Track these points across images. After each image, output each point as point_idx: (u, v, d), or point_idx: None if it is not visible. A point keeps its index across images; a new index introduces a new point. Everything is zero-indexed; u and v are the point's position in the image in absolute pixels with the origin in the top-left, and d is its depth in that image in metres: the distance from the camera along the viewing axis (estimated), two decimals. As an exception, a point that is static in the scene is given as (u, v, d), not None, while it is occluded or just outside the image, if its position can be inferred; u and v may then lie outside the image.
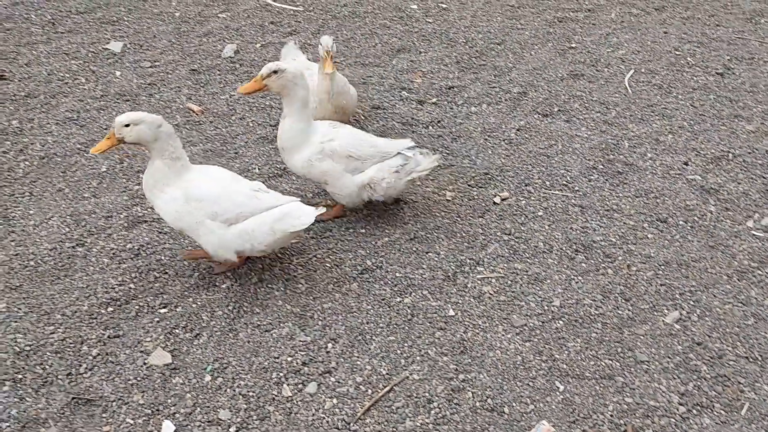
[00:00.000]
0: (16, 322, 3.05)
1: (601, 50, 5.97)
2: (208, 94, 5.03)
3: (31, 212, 3.74)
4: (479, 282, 3.43)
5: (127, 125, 3.08)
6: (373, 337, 3.08)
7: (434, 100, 5.09)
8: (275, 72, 3.40)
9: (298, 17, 6.41)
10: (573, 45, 6.05)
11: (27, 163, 4.16)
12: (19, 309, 3.12)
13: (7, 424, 2.61)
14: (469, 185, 4.16)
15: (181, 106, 4.83)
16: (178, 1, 6.62)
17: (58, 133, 4.46)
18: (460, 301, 3.31)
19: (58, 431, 2.60)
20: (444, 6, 6.80)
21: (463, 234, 3.75)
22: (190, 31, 5.99)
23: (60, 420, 2.64)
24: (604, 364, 3.03)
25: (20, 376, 2.80)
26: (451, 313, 3.24)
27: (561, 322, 3.22)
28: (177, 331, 3.06)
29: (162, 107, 4.77)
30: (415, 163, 3.68)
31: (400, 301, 3.29)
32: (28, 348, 2.92)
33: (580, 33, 6.31)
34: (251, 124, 4.64)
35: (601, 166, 4.39)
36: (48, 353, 2.90)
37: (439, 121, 4.82)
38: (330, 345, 3.03)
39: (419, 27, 6.30)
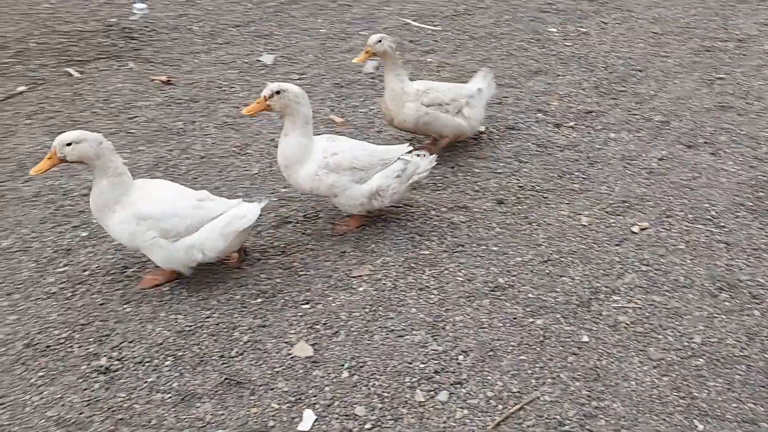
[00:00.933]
0: (178, 304, 3.36)
1: (752, 82, 5.68)
2: (350, 107, 5.29)
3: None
4: (615, 311, 3.37)
5: (68, 144, 3.07)
6: (504, 354, 3.12)
7: (571, 123, 5.06)
8: (278, 92, 3.48)
9: (436, 37, 6.59)
10: (721, 75, 5.80)
11: (189, 161, 4.57)
12: (181, 293, 3.43)
13: (168, 395, 2.89)
14: (606, 212, 4.10)
15: (325, 117, 5.11)
16: (324, 19, 7.00)
17: (216, 135, 4.86)
18: (595, 328, 3.27)
19: (211, 407, 2.84)
20: (584, 30, 6.74)
21: (599, 261, 3.70)
22: (334, 47, 6.33)
23: (213, 397, 2.88)
24: (747, 407, 2.89)
25: (180, 353, 3.08)
26: (585, 339, 3.21)
27: (701, 360, 3.10)
28: (318, 327, 3.25)
29: (308, 117, 5.07)
30: (415, 166, 3.81)
31: (532, 322, 3.30)
32: (187, 328, 3.21)
33: (729, 64, 6.04)
34: (388, 137, 4.82)
35: (750, 203, 4.18)
36: (204, 335, 3.18)
37: (575, 146, 4.78)
38: (461, 357, 3.10)
39: (557, 50, 6.28)
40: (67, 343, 3.12)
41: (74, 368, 2.99)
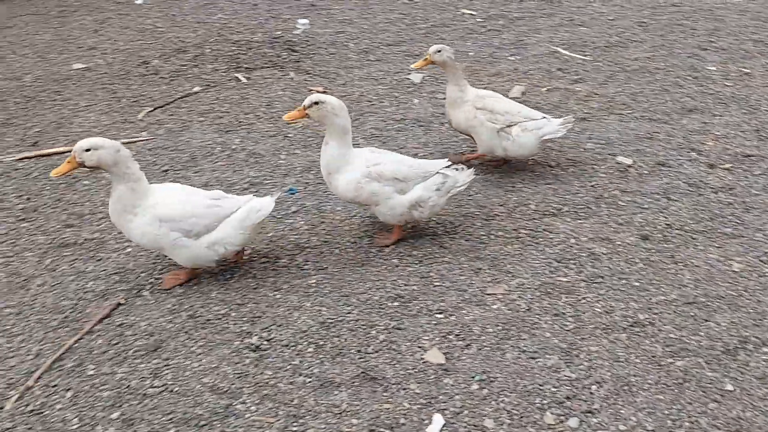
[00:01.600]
0: (321, 297, 3.59)
1: None
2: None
3: (338, 208, 4.37)
4: (764, 363, 3.19)
5: (87, 150, 3.22)
6: (640, 391, 3.04)
7: (727, 166, 4.83)
8: (316, 103, 3.68)
9: (585, 66, 6.53)
10: None
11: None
12: (325, 287, 3.66)
13: (309, 380, 3.09)
14: (761, 260, 3.88)
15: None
16: (472, 42, 7.16)
17: (363, 145, 5.13)
18: (740, 378, 3.11)
19: (347, 396, 3.01)
20: (747, 71, 6.40)
21: (750, 310, 3.51)
22: (481, 69, 6.45)
23: (350, 388, 3.05)
24: None
25: (321, 343, 3.29)
26: (729, 387, 3.06)
27: None
28: (450, 337, 3.34)
29: (449, 136, 5.21)
30: (454, 180, 3.95)
31: (671, 363, 3.20)
32: (329, 321, 3.42)
33: None
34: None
35: None
36: (344, 329, 3.37)
37: (730, 189, 4.56)
38: (594, 387, 3.07)
39: (715, 89, 6.01)
40: (224, 319, 3.43)
41: (229, 342, 3.28)
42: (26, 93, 5.74)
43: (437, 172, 3.92)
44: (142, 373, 3.10)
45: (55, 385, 3.03)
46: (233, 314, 3.46)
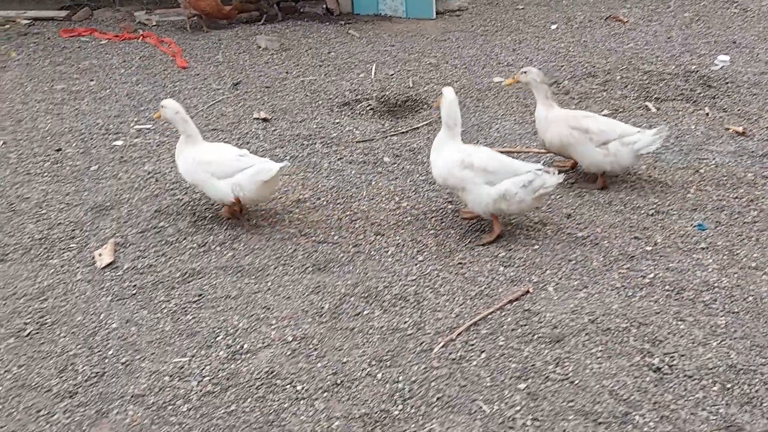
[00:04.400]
0: (731, 340, 3.41)
1: None
2: None
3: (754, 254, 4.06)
4: None
5: (163, 107, 4.63)
6: None
7: None
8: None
9: None
10: None
11: (756, 212, 4.51)
12: (735, 331, 3.47)
13: (714, 418, 2.98)
14: None
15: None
16: None
17: None
18: None
19: (756, 448, 2.82)
20: None
21: None
22: None
23: (760, 441, 2.85)
24: None
25: (728, 385, 3.14)
26: None
27: None
28: None
29: None
30: (542, 181, 4.13)
31: None
32: (739, 366, 3.23)
33: None
34: None
35: None
36: (756, 379, 3.15)
37: None
38: None
39: None
40: (624, 332, 3.51)
41: (628, 355, 3.35)
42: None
43: (528, 171, 4.14)
44: (545, 358, 3.37)
45: (472, 344, 3.49)
46: (634, 330, 3.51)
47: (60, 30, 8.97)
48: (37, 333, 3.71)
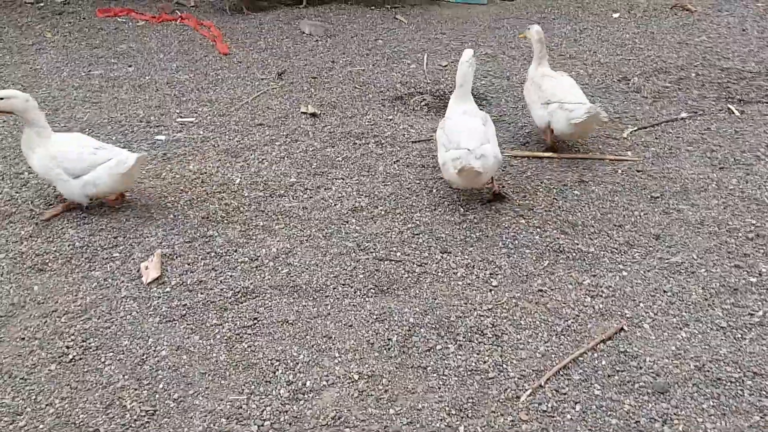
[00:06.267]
0: None
1: None
2: None
3: None
4: None
5: (1, 98, 4.26)
6: None
7: None
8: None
9: None
10: None
11: None
12: None
13: None
14: None
15: None
16: None
17: None
18: None
19: None
20: None
21: None
22: None
23: None
24: None
25: None
26: None
27: None
28: None
29: None
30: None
31: None
32: None
33: None
34: None
35: None
36: None
37: None
38: None
39: None
40: (737, 383, 3.09)
41: (746, 413, 2.94)
42: (516, 93, 6.16)
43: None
44: (651, 414, 2.98)
45: (564, 393, 3.10)
46: (749, 382, 3.10)
47: (96, 9, 8.61)
48: (81, 359, 3.39)
